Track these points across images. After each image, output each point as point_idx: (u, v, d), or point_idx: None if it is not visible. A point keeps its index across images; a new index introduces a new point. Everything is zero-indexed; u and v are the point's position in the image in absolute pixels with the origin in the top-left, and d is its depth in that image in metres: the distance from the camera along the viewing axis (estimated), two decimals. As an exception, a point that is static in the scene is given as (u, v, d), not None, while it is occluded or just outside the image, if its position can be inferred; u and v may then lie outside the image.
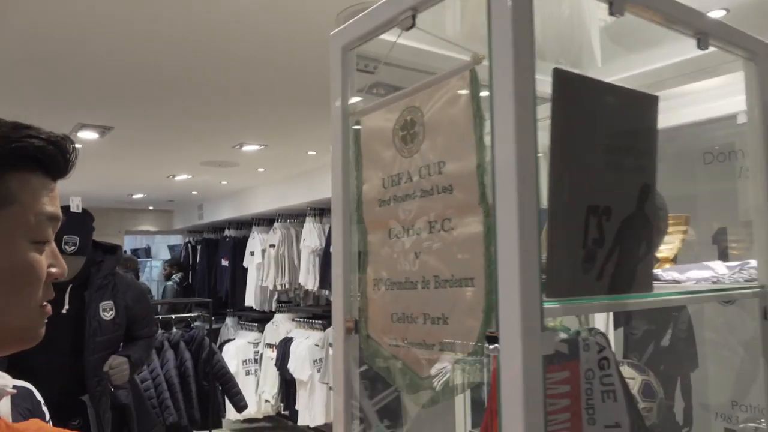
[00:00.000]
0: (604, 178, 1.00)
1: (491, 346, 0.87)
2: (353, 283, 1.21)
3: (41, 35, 2.66)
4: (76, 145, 0.73)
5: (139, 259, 8.81)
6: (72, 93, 3.55)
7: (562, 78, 0.91)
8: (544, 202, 0.90)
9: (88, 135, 4.45)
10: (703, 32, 1.14)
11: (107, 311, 2.30)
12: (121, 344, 2.44)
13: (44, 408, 1.63)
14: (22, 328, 0.67)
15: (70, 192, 2.38)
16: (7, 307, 0.64)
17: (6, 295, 0.64)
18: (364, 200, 1.18)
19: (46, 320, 0.70)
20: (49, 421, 1.65)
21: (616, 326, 2.15)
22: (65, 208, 2.27)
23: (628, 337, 2.28)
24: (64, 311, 2.22)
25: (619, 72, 1.67)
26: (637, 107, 1.05)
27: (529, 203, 0.82)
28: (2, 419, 0.68)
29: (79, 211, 2.29)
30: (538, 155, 0.86)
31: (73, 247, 2.20)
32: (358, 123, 1.22)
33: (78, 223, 2.25)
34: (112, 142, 4.70)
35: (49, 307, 0.71)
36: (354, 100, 1.24)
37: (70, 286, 2.26)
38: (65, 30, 2.61)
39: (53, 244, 0.71)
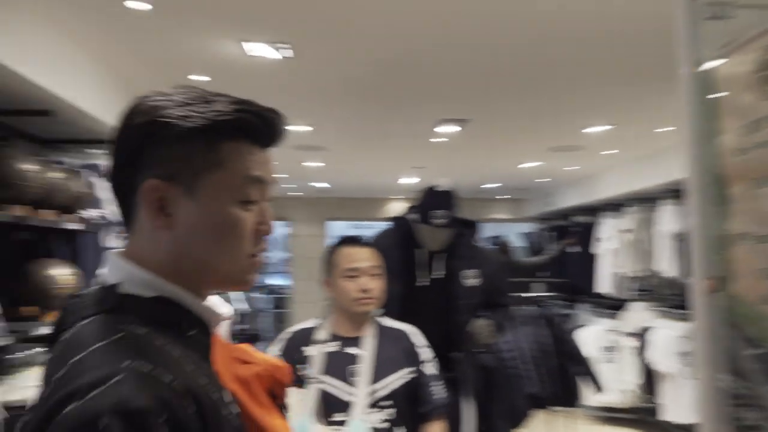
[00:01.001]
0: None
1: None
2: (713, 241, 1.15)
3: (405, 40, 3.06)
4: (284, 119, 0.80)
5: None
6: (434, 91, 4.00)
7: None
8: None
9: (449, 129, 4.93)
10: None
11: (471, 278, 2.56)
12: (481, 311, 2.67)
13: (418, 350, 1.86)
14: (231, 273, 0.77)
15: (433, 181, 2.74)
16: (218, 255, 0.76)
17: (215, 245, 0.75)
18: (722, 151, 1.12)
19: (256, 269, 0.80)
20: (422, 362, 1.87)
21: None
22: (432, 188, 2.59)
23: None
24: (439, 276, 2.55)
25: None
26: None
27: None
28: (219, 338, 0.81)
29: (446, 189, 2.58)
30: None
31: (441, 221, 2.50)
32: (709, 78, 1.16)
33: (444, 200, 2.54)
34: (467, 134, 5.12)
35: (259, 258, 0.79)
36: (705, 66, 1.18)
37: (445, 255, 2.58)
38: (428, 33, 2.98)
39: (264, 205, 0.79)
